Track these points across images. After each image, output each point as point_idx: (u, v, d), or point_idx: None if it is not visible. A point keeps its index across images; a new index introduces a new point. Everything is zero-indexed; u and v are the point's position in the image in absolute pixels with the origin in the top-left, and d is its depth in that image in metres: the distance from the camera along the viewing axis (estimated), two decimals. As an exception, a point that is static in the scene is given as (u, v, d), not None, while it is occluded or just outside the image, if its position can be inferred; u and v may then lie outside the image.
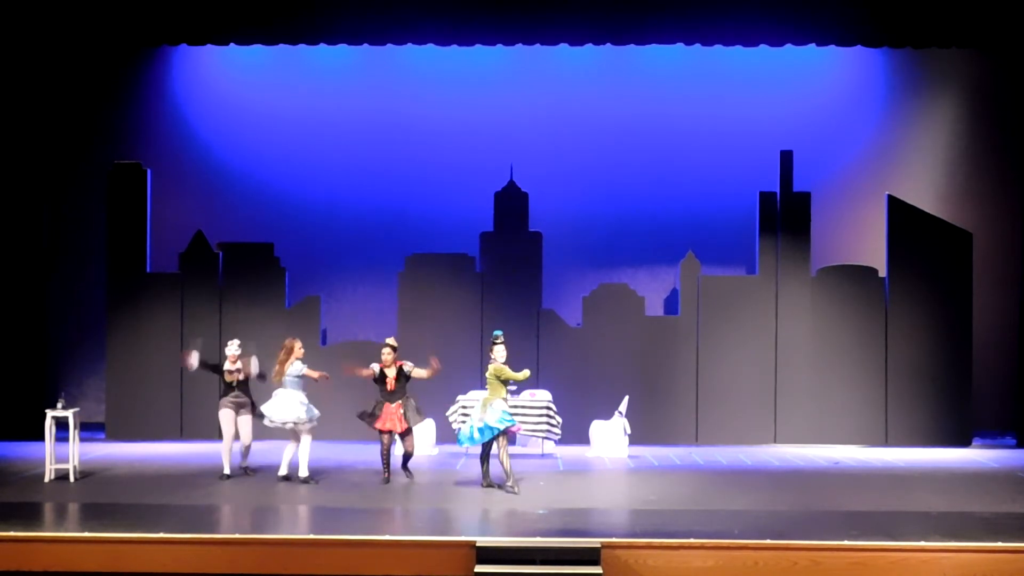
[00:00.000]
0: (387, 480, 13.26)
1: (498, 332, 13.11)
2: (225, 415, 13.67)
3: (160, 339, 17.39)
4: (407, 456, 13.51)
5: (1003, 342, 17.88)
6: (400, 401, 13.43)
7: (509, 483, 12.52)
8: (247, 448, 13.84)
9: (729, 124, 18.18)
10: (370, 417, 13.45)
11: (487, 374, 12.92)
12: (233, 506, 11.80)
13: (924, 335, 17.34)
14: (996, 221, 18.14)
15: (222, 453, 13.60)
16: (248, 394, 13.83)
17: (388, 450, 13.38)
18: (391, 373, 13.47)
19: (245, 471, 13.78)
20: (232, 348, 13.79)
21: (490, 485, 12.72)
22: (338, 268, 18.46)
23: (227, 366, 13.70)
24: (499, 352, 12.85)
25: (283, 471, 13.34)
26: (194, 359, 13.71)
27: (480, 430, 12.64)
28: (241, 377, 13.74)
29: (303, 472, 13.19)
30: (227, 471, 13.51)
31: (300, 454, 13.28)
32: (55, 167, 18.03)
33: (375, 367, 13.53)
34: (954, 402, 17.25)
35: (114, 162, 17.67)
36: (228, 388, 13.74)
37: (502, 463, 12.62)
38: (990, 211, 18.23)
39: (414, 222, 18.26)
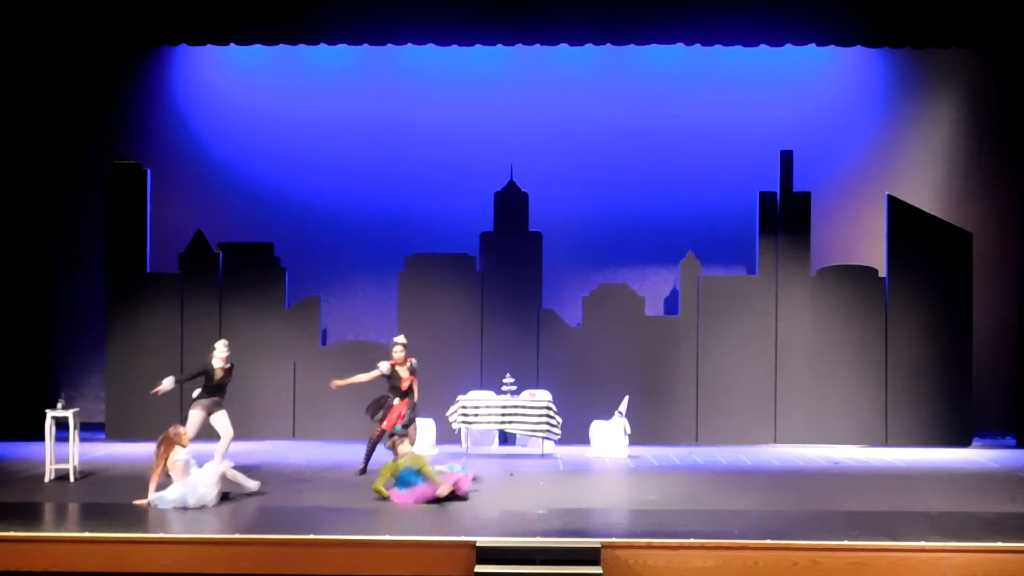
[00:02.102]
0: (363, 472, 13.45)
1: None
2: (196, 416, 13.38)
3: (160, 339, 17.39)
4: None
5: (1003, 342, 17.87)
6: (407, 399, 13.53)
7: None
8: (228, 444, 13.55)
9: (729, 124, 18.18)
10: (381, 412, 13.51)
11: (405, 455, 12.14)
12: (233, 506, 11.79)
13: (924, 335, 17.34)
14: (996, 221, 18.13)
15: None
16: (224, 395, 13.73)
17: (376, 443, 13.55)
18: (405, 372, 13.53)
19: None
20: (222, 349, 13.61)
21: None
22: (338, 268, 18.46)
23: (218, 364, 13.53)
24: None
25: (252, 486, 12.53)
26: (168, 383, 13.38)
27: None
28: (229, 379, 13.67)
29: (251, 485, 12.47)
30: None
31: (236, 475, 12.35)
32: (55, 167, 18.03)
33: (384, 366, 13.59)
34: (954, 402, 17.24)
35: (114, 162, 17.67)
36: (213, 390, 13.49)
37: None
38: (990, 211, 18.23)
39: (414, 222, 18.28)
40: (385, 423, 13.52)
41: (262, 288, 17.53)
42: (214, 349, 13.62)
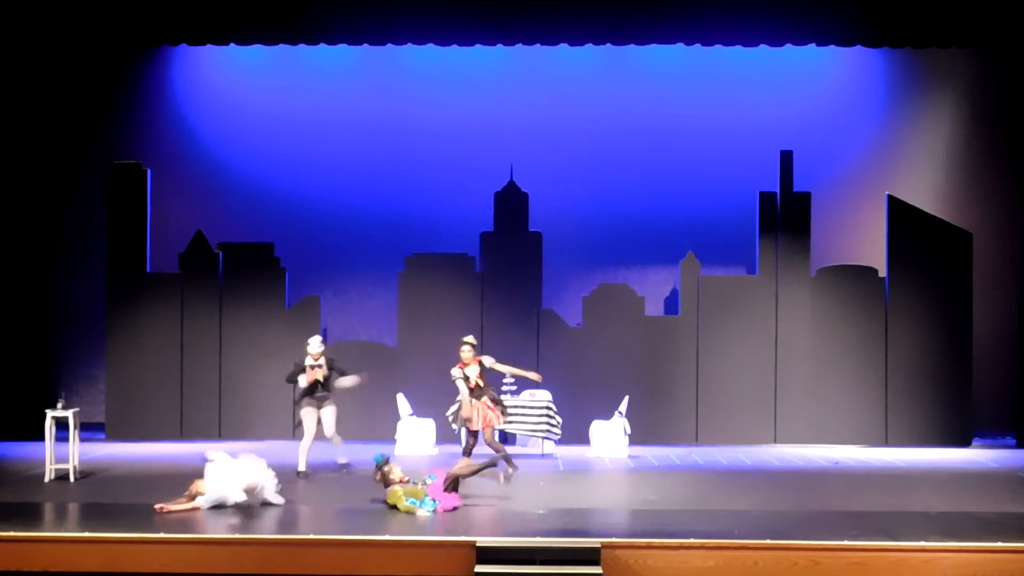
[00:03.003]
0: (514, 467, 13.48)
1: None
2: (309, 413, 13.76)
3: (160, 339, 17.39)
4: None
5: (1003, 342, 17.86)
6: (485, 398, 13.45)
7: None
8: (339, 440, 13.89)
9: (729, 124, 18.17)
10: (465, 422, 13.54)
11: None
12: (233, 506, 11.77)
13: (924, 335, 17.34)
14: (996, 221, 18.12)
15: (300, 452, 13.73)
16: (329, 389, 13.90)
17: (494, 440, 13.59)
18: (474, 372, 13.45)
19: (344, 467, 13.92)
20: (316, 345, 13.80)
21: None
22: (338, 268, 18.44)
23: (308, 361, 13.73)
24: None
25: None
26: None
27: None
28: (323, 375, 13.75)
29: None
30: (302, 468, 13.67)
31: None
32: (55, 167, 18.02)
33: (456, 372, 13.48)
34: (954, 402, 17.24)
35: (114, 162, 17.67)
36: (310, 388, 13.75)
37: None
38: (990, 211, 18.22)
39: (414, 222, 18.26)
40: (474, 424, 13.48)
41: (262, 288, 17.53)
42: (308, 344, 13.89)
